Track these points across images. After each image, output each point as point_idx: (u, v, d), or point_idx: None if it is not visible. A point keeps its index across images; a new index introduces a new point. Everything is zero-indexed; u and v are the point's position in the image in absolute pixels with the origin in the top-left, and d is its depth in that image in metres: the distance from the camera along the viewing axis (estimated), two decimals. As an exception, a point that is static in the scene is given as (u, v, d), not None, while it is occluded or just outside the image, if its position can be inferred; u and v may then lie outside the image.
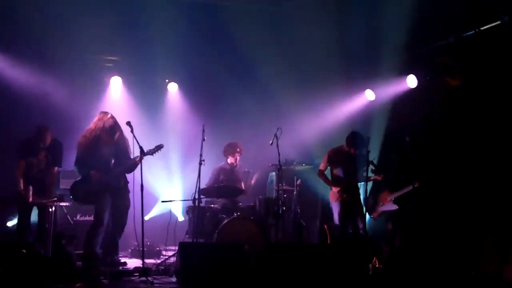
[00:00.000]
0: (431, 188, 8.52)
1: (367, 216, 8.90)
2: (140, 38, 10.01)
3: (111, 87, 11.07)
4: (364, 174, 8.17)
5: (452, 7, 8.28)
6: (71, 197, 7.73)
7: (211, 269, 6.68)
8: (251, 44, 9.90)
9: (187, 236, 8.53)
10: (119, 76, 11.08)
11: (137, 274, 7.02)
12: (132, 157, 7.73)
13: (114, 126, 7.77)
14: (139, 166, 7.44)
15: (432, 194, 8.67)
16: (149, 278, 6.83)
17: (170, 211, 9.24)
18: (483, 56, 8.26)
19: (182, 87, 11.51)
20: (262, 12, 9.77)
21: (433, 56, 9.31)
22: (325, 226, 8.96)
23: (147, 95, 11.12)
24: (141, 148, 7.32)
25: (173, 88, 11.48)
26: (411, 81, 9.73)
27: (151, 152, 7.66)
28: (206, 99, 11.40)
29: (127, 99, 11.06)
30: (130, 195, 7.73)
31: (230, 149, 9.37)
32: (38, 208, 7.87)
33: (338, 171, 8.52)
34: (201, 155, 8.05)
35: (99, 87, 10.89)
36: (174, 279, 7.04)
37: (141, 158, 7.46)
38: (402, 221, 8.68)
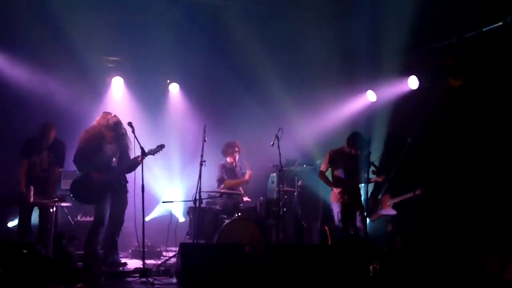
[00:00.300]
0: (433, 189, 8.51)
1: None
2: (141, 39, 10.04)
3: (112, 88, 11.07)
4: (365, 175, 8.16)
5: (454, 7, 8.26)
6: (71, 195, 7.71)
7: (211, 270, 6.69)
8: (252, 44, 9.92)
9: (187, 237, 8.53)
10: (120, 76, 11.09)
11: (138, 274, 7.01)
12: (131, 154, 7.70)
13: (118, 125, 7.76)
14: (140, 167, 7.45)
15: (433, 196, 8.66)
16: (149, 279, 6.83)
17: (171, 212, 9.23)
18: (485, 57, 8.24)
19: (184, 88, 11.51)
20: (264, 13, 9.78)
21: (435, 57, 9.29)
22: (326, 227, 8.96)
23: (149, 95, 11.12)
24: (142, 148, 7.32)
25: (174, 88, 11.49)
26: (413, 82, 9.71)
27: (153, 152, 7.66)
28: (207, 100, 11.40)
29: (128, 100, 11.06)
30: (131, 196, 7.71)
31: (228, 149, 9.36)
32: (39, 209, 7.86)
33: (339, 172, 8.50)
34: (202, 156, 8.04)
35: (101, 88, 10.89)
36: (174, 280, 7.03)
37: (142, 158, 7.46)
38: (402, 223, 8.68)
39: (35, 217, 7.93)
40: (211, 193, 8.98)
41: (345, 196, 8.27)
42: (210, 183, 9.33)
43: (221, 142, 9.65)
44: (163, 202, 9.26)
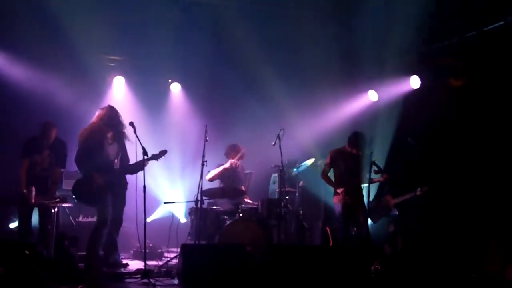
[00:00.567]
0: (434, 189, 8.51)
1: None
2: (143, 38, 10.03)
3: (114, 87, 11.07)
4: (367, 175, 8.15)
5: (455, 7, 8.25)
6: (73, 196, 7.70)
7: (213, 271, 6.69)
8: (253, 44, 9.91)
9: (189, 237, 8.52)
10: (122, 76, 11.07)
11: (139, 276, 7.01)
12: (133, 154, 7.68)
13: (116, 116, 7.76)
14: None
15: (435, 196, 8.66)
16: (151, 280, 6.82)
17: (173, 213, 9.22)
18: (487, 57, 8.23)
19: (185, 88, 11.50)
20: (264, 13, 9.77)
21: (436, 57, 9.28)
22: (327, 228, 8.95)
23: (150, 95, 11.11)
24: (143, 149, 7.30)
25: (176, 88, 11.48)
26: (414, 82, 9.71)
27: (156, 157, 7.63)
28: (209, 99, 11.39)
29: (130, 99, 11.05)
30: (133, 197, 7.69)
31: (232, 152, 9.33)
32: (40, 209, 7.84)
33: (340, 172, 8.47)
34: (203, 156, 8.03)
35: (102, 87, 10.88)
36: (176, 281, 7.04)
37: (147, 162, 7.45)
38: (404, 223, 8.68)
39: (35, 218, 7.92)
40: (210, 191, 8.97)
41: (347, 197, 8.25)
42: (211, 184, 9.34)
43: (223, 142, 9.65)
44: (164, 203, 9.24)
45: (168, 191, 10.75)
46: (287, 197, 8.74)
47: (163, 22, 9.62)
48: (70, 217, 8.81)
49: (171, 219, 8.69)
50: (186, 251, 6.93)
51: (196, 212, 8.33)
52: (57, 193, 8.13)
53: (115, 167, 7.69)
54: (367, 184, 8.19)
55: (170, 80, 11.44)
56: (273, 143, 8.32)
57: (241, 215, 8.36)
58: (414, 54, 9.66)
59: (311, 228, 9.47)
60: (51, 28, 9.33)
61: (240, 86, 10.71)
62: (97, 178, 7.45)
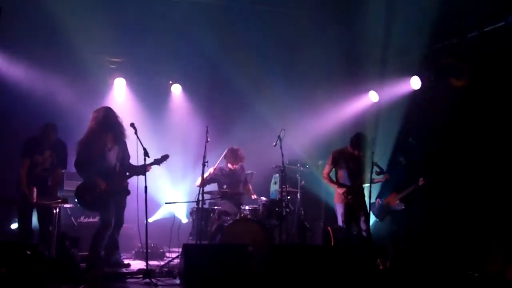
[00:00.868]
0: (436, 185, 8.52)
1: (373, 217, 8.91)
2: (143, 39, 10.02)
3: (114, 89, 11.08)
4: (369, 175, 8.16)
5: (456, 8, 8.26)
6: (76, 201, 7.69)
7: (214, 271, 6.68)
8: (254, 45, 9.92)
9: (190, 237, 8.53)
10: (123, 77, 11.09)
11: (141, 275, 7.01)
12: (134, 155, 7.68)
13: (113, 117, 7.74)
14: (142, 167, 7.44)
15: (437, 194, 8.67)
16: (152, 279, 6.81)
17: (174, 214, 9.22)
18: (488, 57, 8.23)
19: (186, 89, 11.52)
20: (266, 13, 9.77)
21: (437, 57, 9.28)
22: (329, 228, 8.95)
23: (151, 96, 11.13)
24: (145, 150, 7.30)
25: (176, 89, 11.50)
26: (415, 83, 9.71)
27: (158, 162, 7.63)
28: (210, 100, 11.41)
29: (131, 101, 11.07)
30: (134, 197, 7.70)
31: (231, 157, 9.31)
32: (40, 210, 7.83)
33: (342, 173, 8.47)
34: (204, 157, 8.03)
35: (103, 88, 10.89)
36: (177, 281, 7.03)
37: (149, 168, 7.45)
38: (407, 222, 8.69)
39: (35, 218, 7.92)
40: (212, 194, 8.99)
41: (349, 197, 8.25)
42: (212, 184, 9.34)
43: (224, 143, 9.65)
44: (166, 203, 9.25)
45: (170, 192, 10.76)
46: (288, 197, 8.73)
47: (164, 22, 9.62)
48: (72, 218, 8.79)
49: (173, 219, 8.69)
50: (187, 251, 6.92)
51: (198, 212, 8.33)
52: (59, 194, 8.13)
53: (117, 171, 7.67)
54: (369, 184, 8.20)
55: (170, 81, 11.46)
56: (274, 143, 8.32)
57: (242, 215, 8.36)
58: (415, 54, 9.67)
59: (313, 228, 9.47)
60: (52, 29, 9.33)
61: (240, 87, 10.70)
62: (101, 184, 7.43)
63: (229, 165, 9.35)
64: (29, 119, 8.99)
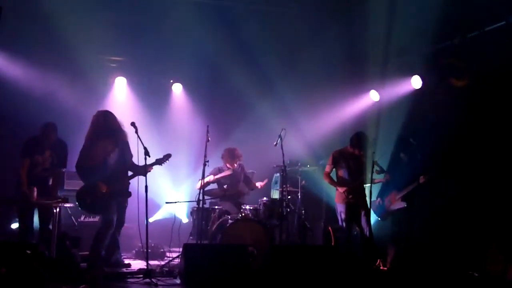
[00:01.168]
0: (436, 184, 8.52)
1: (375, 217, 8.90)
2: (144, 39, 10.02)
3: (115, 88, 11.08)
4: (370, 175, 8.15)
5: (457, 7, 8.25)
6: (77, 204, 7.69)
7: (215, 271, 6.68)
8: (256, 44, 9.92)
9: (191, 237, 8.52)
10: (123, 76, 11.09)
11: (141, 275, 7.01)
12: (135, 155, 7.67)
13: (112, 120, 7.74)
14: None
15: (437, 194, 8.66)
16: (153, 279, 6.82)
17: (175, 214, 9.21)
18: (489, 57, 8.22)
19: (187, 88, 11.51)
20: (267, 13, 9.78)
21: (438, 57, 9.28)
22: (329, 228, 8.95)
23: (152, 95, 11.14)
24: (145, 149, 7.29)
25: (177, 88, 11.50)
26: (416, 82, 9.70)
27: (160, 162, 7.60)
28: (211, 100, 11.40)
29: (131, 100, 11.08)
30: (135, 197, 7.68)
31: (228, 157, 9.29)
32: (40, 209, 7.82)
33: (343, 172, 8.46)
34: (205, 156, 8.02)
35: (104, 88, 10.89)
36: (178, 281, 7.04)
37: (151, 167, 7.44)
38: (408, 222, 8.67)
39: (36, 218, 7.91)
40: (212, 193, 8.98)
41: (350, 196, 8.25)
42: (213, 184, 9.34)
43: (224, 142, 9.66)
44: (166, 202, 9.24)
45: (170, 191, 10.75)
46: (289, 197, 8.72)
47: (165, 22, 9.63)
48: (72, 217, 8.79)
49: (173, 219, 8.68)
50: (188, 251, 6.92)
51: (198, 212, 8.32)
52: (59, 193, 8.13)
53: (118, 173, 7.65)
54: (369, 184, 8.19)
55: (171, 81, 11.46)
56: (275, 143, 8.32)
57: (243, 215, 8.36)
58: (416, 54, 9.66)
59: (313, 228, 9.45)
60: (52, 29, 9.34)
61: (241, 86, 10.70)
62: (102, 187, 7.41)
63: (228, 165, 9.34)
64: (30, 119, 8.95)
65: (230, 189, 9.10)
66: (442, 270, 7.83)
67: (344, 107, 10.97)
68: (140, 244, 8.65)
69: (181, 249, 7.32)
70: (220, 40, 10.05)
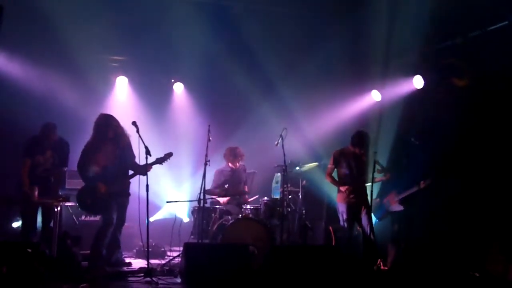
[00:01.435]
0: (437, 186, 8.50)
1: (374, 218, 8.89)
2: (146, 38, 10.02)
3: (117, 87, 11.09)
4: (371, 174, 8.14)
5: (459, 7, 8.24)
6: (77, 205, 7.71)
7: (216, 270, 6.67)
8: (257, 44, 9.92)
9: (192, 236, 8.52)
10: (125, 75, 11.10)
11: (142, 274, 7.01)
12: (135, 154, 7.67)
13: (112, 124, 7.74)
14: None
15: (438, 194, 8.65)
16: (154, 278, 6.83)
17: (175, 214, 9.21)
18: (491, 57, 8.21)
19: (188, 87, 11.51)
20: (268, 13, 9.77)
21: (440, 57, 9.26)
22: (330, 227, 8.94)
23: (153, 95, 11.14)
24: (146, 148, 7.29)
25: (179, 88, 11.50)
26: (418, 82, 9.69)
27: (161, 160, 7.61)
28: (212, 99, 11.40)
29: (133, 99, 11.08)
30: (136, 196, 7.69)
31: (230, 156, 9.31)
32: (42, 208, 7.85)
33: (344, 172, 8.44)
34: (206, 155, 8.03)
35: (105, 87, 10.90)
36: (179, 280, 7.04)
37: (150, 167, 7.44)
38: (408, 222, 8.66)
39: (39, 218, 7.93)
40: (214, 195, 8.99)
41: (351, 196, 8.24)
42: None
43: (226, 142, 9.65)
44: (167, 202, 9.25)
45: (171, 191, 10.76)
46: (290, 197, 8.71)
47: (166, 22, 9.62)
48: (73, 216, 8.80)
49: (174, 219, 8.68)
50: (188, 250, 6.92)
51: (199, 211, 8.32)
52: (60, 192, 8.13)
53: (118, 174, 7.66)
54: (370, 183, 8.18)
55: (172, 80, 11.46)
56: (276, 142, 8.32)
57: (244, 214, 8.36)
58: (417, 54, 9.65)
59: (314, 228, 9.45)
60: (54, 28, 9.33)
61: (242, 86, 10.70)
62: (101, 187, 7.44)
63: (230, 164, 9.35)
64: (31, 119, 8.98)
65: (231, 189, 9.09)
66: (442, 270, 7.82)
67: (345, 107, 10.95)
68: (141, 243, 8.66)
69: (181, 248, 7.32)
70: (221, 40, 10.05)
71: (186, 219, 10.10)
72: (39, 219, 7.92)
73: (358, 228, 8.41)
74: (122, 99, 11.02)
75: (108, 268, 7.46)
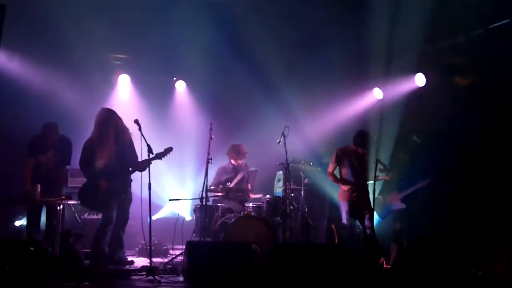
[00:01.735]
0: (439, 184, 8.49)
1: (376, 216, 8.89)
2: (148, 36, 10.02)
3: (119, 85, 11.09)
4: (373, 173, 8.14)
5: (461, 5, 8.23)
6: (79, 202, 7.72)
7: (218, 268, 6.67)
8: (259, 42, 9.91)
9: (194, 235, 8.53)
10: (127, 74, 11.10)
11: (144, 273, 7.02)
12: (138, 152, 7.67)
13: (114, 118, 7.75)
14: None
15: (441, 193, 8.64)
16: (156, 277, 6.82)
17: (178, 213, 9.22)
18: (493, 55, 8.20)
19: (190, 85, 11.51)
20: (271, 12, 9.77)
21: (442, 55, 9.25)
22: (333, 226, 8.94)
23: (155, 93, 11.13)
24: (148, 146, 7.29)
25: (181, 86, 11.49)
26: (420, 80, 9.68)
27: (161, 155, 7.57)
28: (214, 97, 11.39)
29: (135, 97, 11.09)
30: (138, 195, 7.69)
31: (233, 153, 9.32)
32: (46, 207, 7.87)
33: (346, 170, 8.46)
34: (208, 154, 8.03)
35: (107, 85, 10.90)
36: (181, 278, 7.03)
37: (150, 162, 7.44)
38: (410, 221, 8.66)
39: (43, 217, 7.94)
40: (216, 192, 8.99)
41: (354, 194, 8.24)
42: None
43: (228, 140, 9.65)
44: (169, 200, 9.26)
45: (174, 189, 10.76)
46: (292, 195, 8.72)
47: (168, 20, 9.62)
48: (76, 214, 8.82)
49: (176, 217, 8.68)
50: (191, 248, 6.91)
51: (201, 209, 8.33)
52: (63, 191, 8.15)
53: (119, 170, 7.66)
54: (372, 182, 8.18)
55: (175, 78, 11.46)
56: (278, 141, 8.32)
57: (246, 212, 8.36)
58: (419, 52, 9.64)
59: (316, 226, 9.46)
60: (56, 26, 9.32)
61: (245, 84, 10.70)
62: (102, 184, 7.47)
63: (233, 161, 9.37)
64: (33, 118, 8.98)
65: (233, 187, 9.09)
66: (445, 269, 7.81)
67: (347, 105, 10.95)
68: (143, 242, 8.70)
69: (184, 247, 7.33)
70: (223, 38, 10.05)
71: (188, 217, 10.10)
72: (43, 217, 7.94)
73: (360, 226, 8.41)
74: (124, 97, 11.02)
75: (111, 266, 7.46)
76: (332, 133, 10.57)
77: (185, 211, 10.15)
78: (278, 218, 8.48)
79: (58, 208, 7.62)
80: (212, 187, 8.97)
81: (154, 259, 7.67)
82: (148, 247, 7.23)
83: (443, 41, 9.15)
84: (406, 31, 9.01)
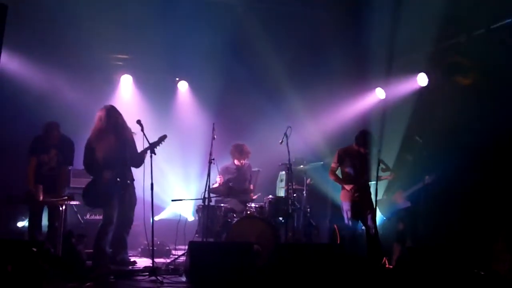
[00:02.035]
0: (442, 183, 8.50)
1: (380, 215, 8.89)
2: (150, 37, 10.02)
3: (121, 85, 11.10)
4: (375, 173, 8.13)
5: (463, 5, 8.22)
6: (83, 201, 7.73)
7: (220, 268, 6.67)
8: (261, 42, 9.91)
9: (196, 235, 8.53)
10: (129, 74, 11.10)
11: (147, 273, 7.03)
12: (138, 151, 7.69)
13: (115, 115, 7.75)
14: (149, 165, 7.38)
15: (443, 192, 8.64)
16: (158, 277, 6.83)
17: (180, 213, 9.23)
18: (495, 55, 8.19)
19: (192, 86, 11.51)
20: (273, 12, 9.77)
21: (444, 55, 9.24)
22: (335, 226, 8.94)
23: (157, 93, 11.13)
24: (150, 144, 7.31)
25: (183, 86, 11.50)
26: (422, 80, 9.68)
27: (155, 144, 7.50)
28: (216, 98, 11.36)
29: (137, 97, 11.09)
30: (140, 195, 7.69)
31: (236, 153, 9.32)
32: (48, 207, 7.87)
33: (348, 171, 8.45)
34: (211, 154, 8.03)
35: (110, 85, 10.91)
36: (183, 279, 7.03)
37: (145, 152, 7.42)
38: (413, 220, 8.66)
39: (45, 216, 7.94)
40: (218, 192, 8.99)
41: (356, 194, 8.24)
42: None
43: (231, 140, 9.65)
44: (172, 200, 9.26)
45: (176, 189, 10.76)
46: (294, 195, 8.72)
47: (171, 20, 9.62)
48: (78, 215, 8.82)
49: (179, 217, 8.69)
50: (193, 248, 6.92)
51: (204, 210, 8.33)
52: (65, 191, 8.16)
53: (121, 166, 7.65)
54: (375, 182, 8.17)
55: (177, 79, 11.46)
56: (280, 141, 8.32)
57: (248, 212, 8.36)
58: (422, 52, 9.63)
59: (319, 226, 9.45)
60: (58, 26, 9.35)
61: (247, 84, 10.71)
62: (106, 174, 7.45)
63: (236, 161, 9.36)
64: (37, 117, 8.99)
65: (236, 187, 9.10)
66: (448, 269, 7.80)
67: (349, 105, 10.96)
68: (146, 242, 8.65)
69: (186, 247, 7.33)
70: (225, 38, 10.04)
71: (191, 217, 10.10)
72: (45, 218, 7.94)
73: (363, 226, 8.41)
74: (126, 97, 11.02)
75: (113, 267, 7.45)
76: (334, 133, 10.56)
77: (188, 212, 10.15)
78: (281, 218, 8.47)
79: (61, 208, 7.63)
80: (218, 186, 8.94)
81: (157, 260, 7.67)
82: (151, 248, 7.23)
83: (445, 41, 9.13)
84: (408, 31, 9.00)
